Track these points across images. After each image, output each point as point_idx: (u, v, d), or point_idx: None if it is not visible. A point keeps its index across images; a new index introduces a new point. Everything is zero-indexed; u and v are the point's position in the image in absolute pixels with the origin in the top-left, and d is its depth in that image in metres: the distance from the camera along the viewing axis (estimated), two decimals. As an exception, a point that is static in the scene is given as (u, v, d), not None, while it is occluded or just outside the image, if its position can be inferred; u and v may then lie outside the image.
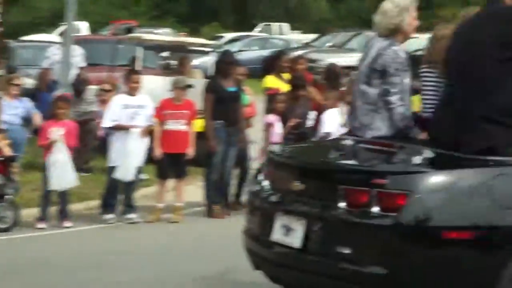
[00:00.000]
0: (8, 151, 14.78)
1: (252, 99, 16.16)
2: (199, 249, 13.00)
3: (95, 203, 15.38)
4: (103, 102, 16.75)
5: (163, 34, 44.90)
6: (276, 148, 11.22)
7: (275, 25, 60.47)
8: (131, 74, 15.76)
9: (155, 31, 47.89)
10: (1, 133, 15.11)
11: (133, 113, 14.86)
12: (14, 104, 17.10)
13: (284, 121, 15.17)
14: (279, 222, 8.10)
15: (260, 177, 9.09)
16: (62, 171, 14.34)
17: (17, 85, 17.63)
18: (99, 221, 14.86)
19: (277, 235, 8.07)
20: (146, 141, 14.90)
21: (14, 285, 11.05)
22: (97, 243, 13.86)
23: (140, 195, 15.54)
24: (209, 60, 27.65)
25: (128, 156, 14.65)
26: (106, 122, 15.07)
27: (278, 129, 15.09)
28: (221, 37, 51.18)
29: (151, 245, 13.56)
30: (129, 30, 46.19)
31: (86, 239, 14.18)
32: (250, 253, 8.70)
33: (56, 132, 14.57)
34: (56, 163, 14.30)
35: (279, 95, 15.59)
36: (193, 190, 15.92)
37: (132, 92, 15.14)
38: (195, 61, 26.94)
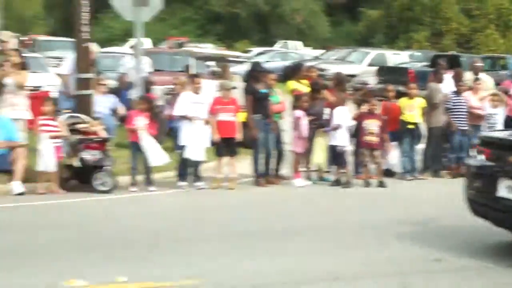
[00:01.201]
0: (103, 134, 15.29)
1: (282, 98, 16.51)
2: (258, 207, 13.78)
3: (171, 173, 15.74)
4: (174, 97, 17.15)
5: (207, 48, 45.35)
6: (488, 134, 12.74)
7: (291, 42, 60.72)
8: (195, 77, 16.21)
9: (200, 45, 48.32)
10: (97, 120, 15.60)
11: (196, 107, 15.36)
12: (103, 99, 17.48)
13: (307, 115, 15.77)
14: (503, 183, 9.52)
15: (477, 154, 10.69)
16: (155, 151, 14.81)
17: (104, 84, 18.09)
18: (175, 187, 15.20)
19: (502, 193, 9.52)
20: (207, 128, 15.36)
21: (122, 228, 11.51)
22: (177, 202, 14.33)
23: (204, 168, 15.73)
24: (243, 68, 28.17)
25: (197, 141, 15.13)
26: (177, 112, 15.59)
27: (304, 121, 15.69)
28: (250, 51, 51.42)
29: (221, 204, 14.11)
30: (181, 45, 46.55)
31: (166, 199, 14.58)
32: (472, 203, 10.32)
33: (141, 121, 15.13)
34: (146, 146, 14.77)
35: (303, 95, 16.10)
36: (243, 165, 16.14)
37: (195, 91, 15.58)
38: (233, 68, 27.27)
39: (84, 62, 15.98)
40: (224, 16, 69.16)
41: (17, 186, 14.23)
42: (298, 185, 15.65)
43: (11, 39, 16.52)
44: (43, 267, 8.76)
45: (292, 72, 17.75)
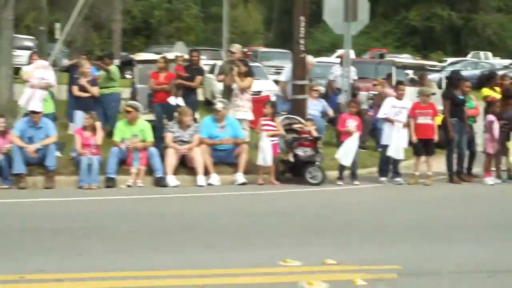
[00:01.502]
0: (315, 133, 15.43)
1: (476, 103, 16.15)
2: (453, 202, 13.47)
3: (372, 169, 15.74)
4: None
5: (405, 58, 44.77)
6: None
7: (482, 53, 58.98)
8: (399, 85, 16.13)
9: (399, 56, 47.75)
10: (310, 121, 15.75)
11: (398, 111, 15.21)
12: (315, 103, 17.66)
13: (499, 119, 15.29)
14: None
15: None
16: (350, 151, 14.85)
17: (316, 90, 18.25)
18: (376, 182, 15.19)
19: None
20: (406, 131, 15.15)
21: (330, 215, 11.43)
22: (378, 195, 14.29)
23: (402, 166, 15.63)
24: (439, 76, 27.54)
25: (398, 141, 15.00)
26: (381, 114, 15.57)
27: (495, 125, 15.21)
28: (445, 60, 50.41)
29: (420, 198, 13.87)
30: (382, 56, 46.20)
31: (369, 192, 14.56)
32: None
33: (352, 123, 15.11)
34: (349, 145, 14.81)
35: (496, 101, 15.66)
36: (438, 164, 15.84)
37: (399, 96, 15.48)
38: (430, 76, 26.75)
39: (300, 70, 16.24)
40: (421, 30, 68.21)
41: (240, 177, 14.62)
42: (489, 183, 15.20)
43: (239, 51, 16.90)
44: (265, 246, 8.92)
45: (487, 80, 17.46)
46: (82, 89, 16.37)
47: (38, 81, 15.93)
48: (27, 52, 27.02)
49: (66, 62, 22.29)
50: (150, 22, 62.43)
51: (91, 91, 16.24)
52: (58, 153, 14.79)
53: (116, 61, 22.91)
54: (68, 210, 11.97)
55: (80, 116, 15.69)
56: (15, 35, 20.57)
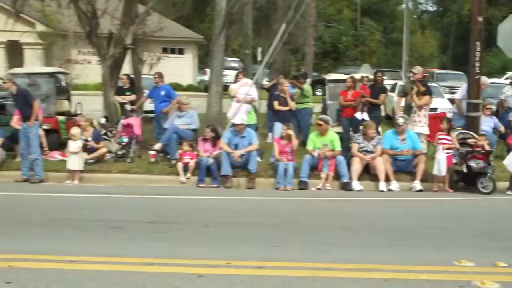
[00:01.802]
0: (487, 147, 14.90)
1: None
2: None
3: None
4: None
5: None
6: None
7: None
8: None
9: None
10: (483, 136, 15.24)
11: None
12: (488, 119, 17.10)
13: None
14: None
15: None
16: None
17: (489, 108, 17.63)
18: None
19: None
20: None
21: (499, 223, 11.10)
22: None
23: None
24: None
25: None
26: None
27: None
28: None
29: None
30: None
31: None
32: None
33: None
34: None
35: None
36: None
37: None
38: None
39: (475, 90, 15.82)
40: None
41: (417, 184, 14.41)
42: None
43: (419, 72, 16.63)
44: (441, 247, 8.73)
45: None
46: (281, 104, 16.71)
47: (243, 97, 16.41)
48: (233, 72, 27.87)
49: (266, 83, 22.83)
50: (338, 47, 62.81)
51: (290, 105, 16.60)
52: (258, 159, 15.15)
53: (309, 80, 23.12)
54: (266, 208, 12.22)
55: (278, 127, 16.02)
56: (224, 57, 21.29)
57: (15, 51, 39.93)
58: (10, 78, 15.35)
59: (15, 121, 15.79)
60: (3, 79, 16.59)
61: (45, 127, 16.48)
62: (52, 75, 19.84)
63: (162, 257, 7.59)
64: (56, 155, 16.07)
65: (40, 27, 38.64)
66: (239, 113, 15.82)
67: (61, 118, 18.13)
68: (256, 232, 9.49)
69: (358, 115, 16.66)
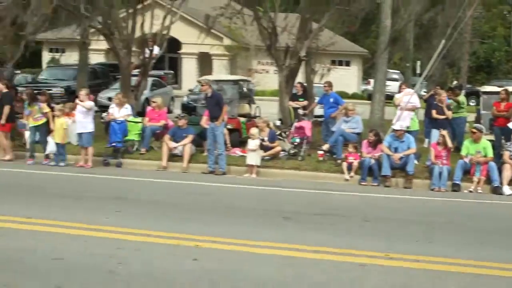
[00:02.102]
0: None
1: None
2: None
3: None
4: None
5: None
6: None
7: None
8: None
9: None
10: None
11: None
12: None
13: None
14: None
15: None
16: None
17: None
18: None
19: None
20: None
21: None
22: None
23: None
24: None
25: None
26: None
27: None
28: None
29: None
30: None
31: None
32: None
33: None
34: None
35: None
36: None
37: None
38: None
39: None
40: None
41: (507, 189, 13.52)
42: None
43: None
44: None
45: None
46: (438, 112, 16.22)
47: (405, 105, 16.14)
48: (394, 83, 27.27)
49: (424, 93, 22.30)
50: (491, 61, 59.96)
51: (447, 114, 16.10)
52: (416, 162, 14.74)
53: (463, 92, 22.19)
54: (421, 207, 11.85)
55: (435, 134, 15.56)
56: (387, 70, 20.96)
57: (205, 61, 41.57)
58: (208, 82, 15.90)
59: (204, 121, 16.33)
60: (201, 82, 17.17)
61: (228, 126, 16.92)
62: (236, 82, 20.43)
63: (325, 245, 7.55)
64: (237, 152, 16.45)
65: (226, 41, 39.85)
66: (400, 120, 15.56)
67: (242, 119, 18.55)
68: (411, 228, 9.22)
69: (510, 125, 15.76)
